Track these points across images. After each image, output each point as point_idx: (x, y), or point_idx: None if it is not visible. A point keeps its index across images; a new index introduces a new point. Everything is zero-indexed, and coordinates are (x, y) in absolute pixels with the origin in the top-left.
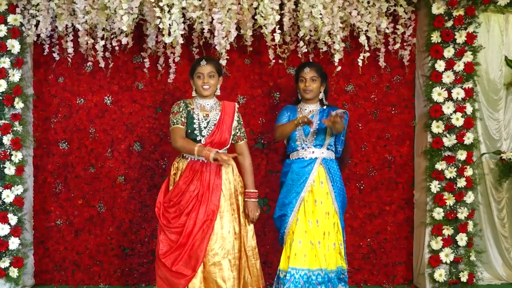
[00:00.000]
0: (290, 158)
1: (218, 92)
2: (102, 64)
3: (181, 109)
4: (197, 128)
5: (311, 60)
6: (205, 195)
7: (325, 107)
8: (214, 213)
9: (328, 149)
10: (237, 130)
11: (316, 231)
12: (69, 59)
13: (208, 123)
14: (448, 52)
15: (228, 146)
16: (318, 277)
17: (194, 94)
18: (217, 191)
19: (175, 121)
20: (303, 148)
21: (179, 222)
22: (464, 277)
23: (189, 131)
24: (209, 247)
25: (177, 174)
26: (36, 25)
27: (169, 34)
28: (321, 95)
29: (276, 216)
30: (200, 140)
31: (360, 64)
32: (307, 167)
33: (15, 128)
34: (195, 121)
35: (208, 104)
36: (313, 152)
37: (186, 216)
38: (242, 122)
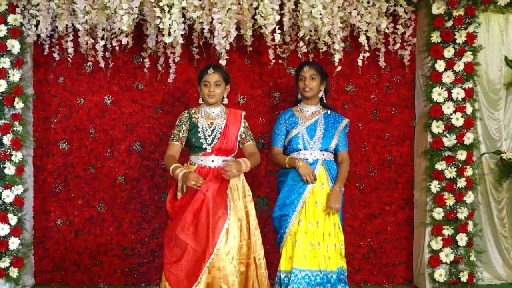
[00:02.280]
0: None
1: (225, 101)
2: (102, 64)
3: (182, 122)
4: (202, 137)
5: (311, 60)
6: (212, 201)
7: (329, 111)
8: (220, 218)
9: (329, 151)
10: (243, 133)
11: (316, 232)
12: (69, 59)
13: (212, 131)
14: (448, 52)
15: (235, 153)
16: (317, 277)
17: (200, 101)
18: (224, 196)
19: (172, 136)
20: (306, 149)
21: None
22: (464, 277)
23: (194, 140)
24: (214, 252)
25: None
26: (36, 25)
27: (169, 34)
28: (321, 94)
29: (275, 215)
30: (206, 148)
31: (360, 64)
32: None
33: (15, 128)
34: (199, 130)
35: (214, 112)
36: (315, 154)
37: (195, 219)
38: (248, 127)
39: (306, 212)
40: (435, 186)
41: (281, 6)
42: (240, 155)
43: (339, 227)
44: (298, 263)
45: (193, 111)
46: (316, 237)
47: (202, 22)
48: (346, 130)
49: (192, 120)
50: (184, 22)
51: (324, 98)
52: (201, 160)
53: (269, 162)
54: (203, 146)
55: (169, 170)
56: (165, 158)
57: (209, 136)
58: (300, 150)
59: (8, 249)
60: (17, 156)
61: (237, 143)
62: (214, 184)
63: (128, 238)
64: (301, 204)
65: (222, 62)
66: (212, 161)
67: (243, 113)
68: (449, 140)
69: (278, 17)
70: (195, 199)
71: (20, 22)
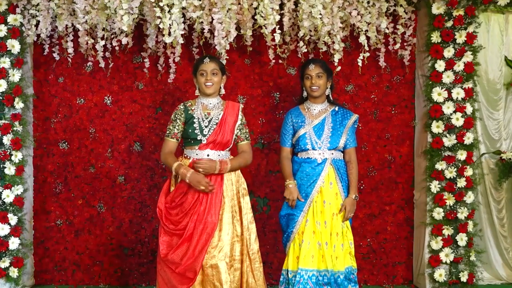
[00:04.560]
0: (299, 156)
1: (222, 91)
2: (102, 64)
3: (177, 116)
4: (197, 128)
5: (315, 58)
6: (206, 196)
7: (337, 108)
8: (215, 216)
9: (338, 150)
10: (239, 131)
11: (324, 232)
12: (69, 59)
13: (209, 122)
14: (448, 52)
15: (230, 147)
16: (325, 278)
17: (197, 93)
18: (218, 193)
19: (168, 132)
20: (314, 149)
21: (182, 224)
22: (464, 277)
23: (190, 131)
24: (206, 253)
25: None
26: (36, 25)
27: (169, 34)
28: (328, 91)
29: (283, 213)
30: (201, 140)
31: (360, 64)
32: (317, 167)
33: (15, 128)
34: (195, 120)
35: (210, 103)
36: (324, 153)
37: (188, 218)
38: (245, 123)
39: (313, 211)
40: (435, 186)
41: (281, 6)
42: (234, 152)
43: (348, 226)
44: (305, 264)
45: (189, 103)
46: (324, 237)
47: (202, 22)
48: (356, 126)
49: (189, 112)
50: (184, 22)
51: (330, 95)
52: (196, 154)
53: (269, 162)
54: (198, 138)
55: (170, 168)
56: (162, 156)
57: (206, 127)
58: (308, 150)
59: (8, 249)
60: (17, 156)
61: (233, 137)
62: (209, 179)
63: (128, 238)
64: (308, 203)
65: (222, 62)
66: (208, 155)
67: (241, 105)
68: (449, 140)
69: (278, 17)
70: (188, 199)
71: (20, 22)
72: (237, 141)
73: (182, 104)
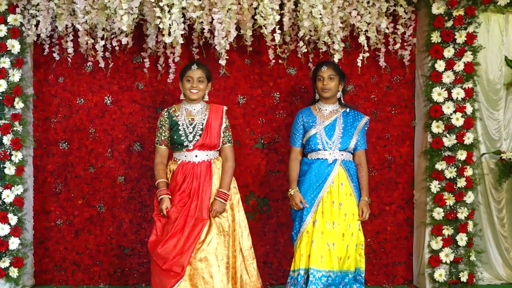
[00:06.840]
0: (309, 157)
1: (206, 98)
2: (102, 64)
3: (161, 123)
4: (183, 134)
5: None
6: (195, 195)
7: (348, 109)
8: (206, 212)
9: (348, 151)
10: (222, 133)
11: (332, 233)
12: (69, 59)
13: (194, 127)
14: (448, 52)
15: (218, 148)
16: (329, 278)
17: (182, 97)
18: (208, 191)
19: (156, 139)
20: (325, 149)
21: (174, 216)
22: (464, 277)
23: (175, 137)
24: (195, 247)
25: (169, 177)
26: (36, 25)
27: (169, 34)
28: (339, 94)
29: (293, 211)
30: (188, 145)
31: (359, 64)
32: (327, 168)
33: (15, 128)
34: (180, 127)
35: (194, 109)
36: (334, 154)
37: (177, 214)
38: (229, 125)
39: (323, 211)
40: (435, 186)
41: (281, 6)
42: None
43: (360, 228)
44: (315, 264)
45: (173, 109)
46: (332, 238)
47: (202, 22)
48: (366, 128)
49: (173, 118)
50: (184, 22)
51: (342, 99)
52: (185, 156)
53: (269, 162)
54: (185, 144)
55: (155, 180)
56: (154, 165)
57: (190, 133)
58: (319, 150)
59: (8, 249)
60: (17, 156)
61: (221, 139)
62: (199, 179)
63: (128, 238)
64: (316, 204)
65: (222, 62)
66: (196, 156)
67: (225, 108)
68: (449, 140)
69: (278, 17)
70: (182, 199)
71: (20, 22)
72: (221, 143)
73: (165, 110)
